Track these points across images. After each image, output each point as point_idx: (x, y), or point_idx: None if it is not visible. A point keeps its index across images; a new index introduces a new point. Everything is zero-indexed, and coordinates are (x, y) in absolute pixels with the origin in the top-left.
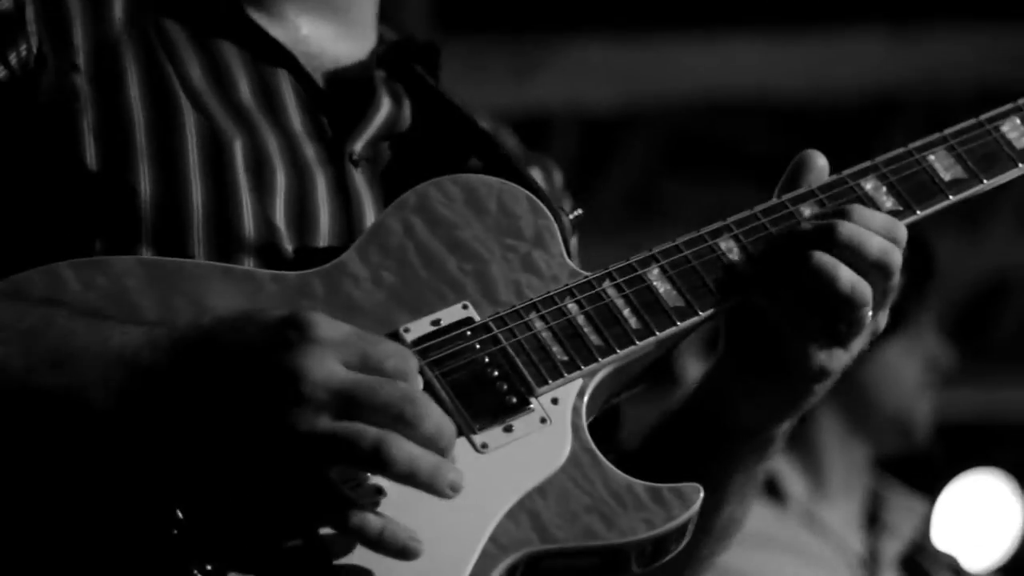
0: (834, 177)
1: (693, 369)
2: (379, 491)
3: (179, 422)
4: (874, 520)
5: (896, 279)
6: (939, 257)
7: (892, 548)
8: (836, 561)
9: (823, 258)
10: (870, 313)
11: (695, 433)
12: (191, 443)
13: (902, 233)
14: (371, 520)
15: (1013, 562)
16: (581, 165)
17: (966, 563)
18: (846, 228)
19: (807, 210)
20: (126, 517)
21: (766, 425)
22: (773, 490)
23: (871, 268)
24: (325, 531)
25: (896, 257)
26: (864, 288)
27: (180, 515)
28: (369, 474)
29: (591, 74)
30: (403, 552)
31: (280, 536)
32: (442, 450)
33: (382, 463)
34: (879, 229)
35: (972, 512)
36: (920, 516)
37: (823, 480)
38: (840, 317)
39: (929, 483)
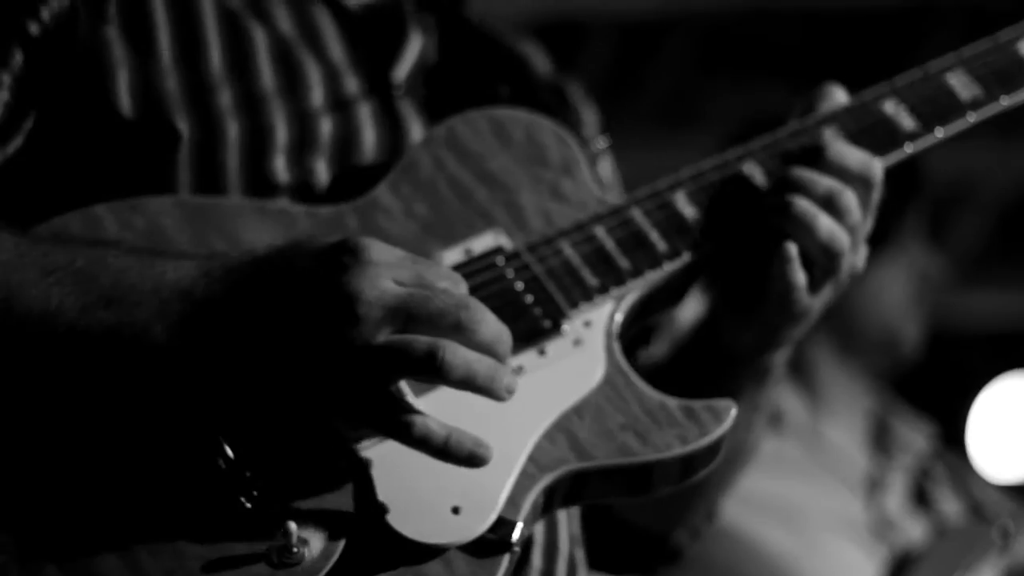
0: (854, 100)
1: (688, 310)
2: None
3: (237, 350)
4: (879, 441)
5: (877, 196)
6: (977, 163)
7: (897, 469)
8: (838, 481)
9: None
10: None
11: (698, 362)
12: (250, 371)
13: (877, 170)
14: (436, 428)
15: None
16: (617, 70)
17: (1000, 470)
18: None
19: (828, 132)
20: (175, 451)
21: (757, 354)
22: (774, 415)
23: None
24: (375, 451)
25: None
26: (841, 239)
27: (228, 449)
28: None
29: None
30: (470, 459)
31: (331, 458)
32: (501, 355)
33: (438, 368)
34: (857, 163)
35: (1009, 417)
36: (926, 437)
37: (821, 400)
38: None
39: (964, 389)
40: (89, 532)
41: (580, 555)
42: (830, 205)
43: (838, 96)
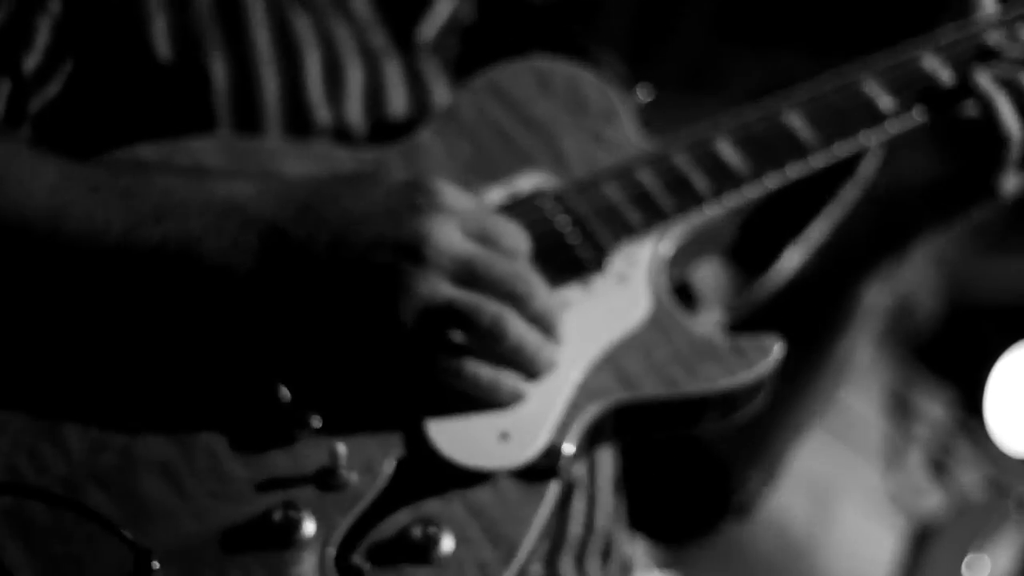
0: (892, 59)
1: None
2: None
3: (293, 275)
4: (898, 412)
5: None
6: None
7: (916, 439)
8: (855, 452)
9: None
10: None
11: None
12: (304, 297)
13: None
14: (484, 370)
15: None
16: (636, 38)
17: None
18: None
19: (872, 83)
20: (226, 376)
21: (924, 211)
22: None
23: None
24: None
25: None
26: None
27: (282, 386)
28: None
29: None
30: (514, 396)
31: (381, 387)
32: (547, 329)
33: (497, 336)
34: None
35: None
36: (944, 406)
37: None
38: None
39: (982, 358)
40: (134, 453)
41: (620, 505)
42: None
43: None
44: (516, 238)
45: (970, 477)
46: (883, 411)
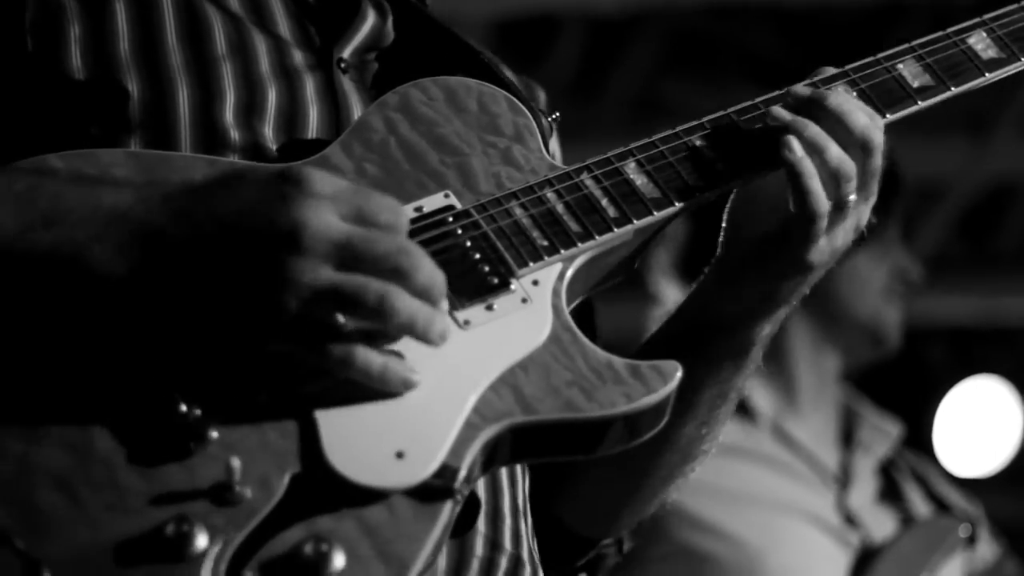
0: (806, 82)
1: (669, 289)
2: None
3: (176, 276)
4: (848, 438)
5: (878, 161)
6: (945, 164)
7: (865, 465)
8: (808, 474)
9: (813, 128)
10: (853, 197)
11: (684, 329)
12: (188, 298)
13: (879, 120)
14: (374, 356)
15: (1013, 468)
16: (586, 65)
17: (965, 469)
18: (833, 96)
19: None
20: (119, 385)
21: (746, 321)
22: (742, 407)
23: (855, 144)
24: (322, 395)
25: (878, 136)
26: (849, 164)
27: (176, 393)
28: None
29: None
30: (406, 383)
31: (278, 400)
32: (434, 300)
33: (385, 314)
34: (859, 107)
35: (973, 418)
36: (893, 435)
37: (793, 395)
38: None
39: (929, 390)
40: (30, 461)
41: (524, 528)
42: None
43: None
44: (393, 212)
45: (921, 503)
46: (835, 433)
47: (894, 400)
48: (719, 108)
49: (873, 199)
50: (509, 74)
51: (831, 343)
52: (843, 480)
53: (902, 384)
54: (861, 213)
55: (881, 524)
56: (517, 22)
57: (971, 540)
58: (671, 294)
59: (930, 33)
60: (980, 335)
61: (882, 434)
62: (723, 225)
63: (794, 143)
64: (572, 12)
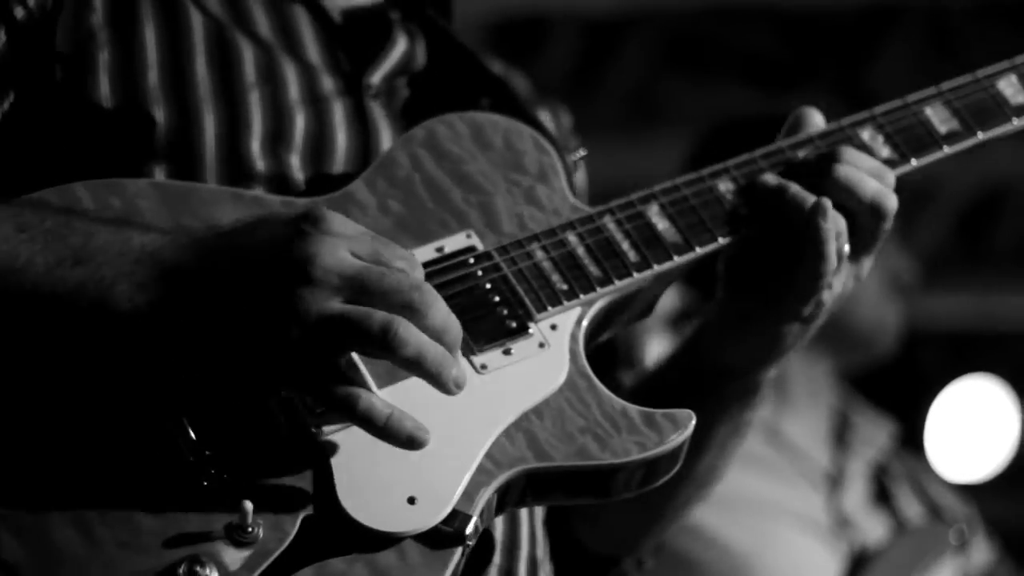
0: (832, 125)
1: (654, 351)
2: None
3: (197, 313)
4: (841, 438)
5: (889, 223)
6: (940, 165)
7: (858, 466)
8: (799, 476)
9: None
10: (847, 248)
11: (684, 377)
12: (208, 334)
13: (891, 178)
14: (379, 405)
15: (1011, 470)
16: (580, 67)
17: (961, 473)
18: (842, 169)
19: (803, 155)
20: (138, 422)
21: (751, 368)
22: None
23: (865, 210)
24: (336, 438)
25: (891, 201)
26: (841, 222)
27: (189, 428)
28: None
29: None
30: (409, 441)
31: (292, 442)
32: (449, 344)
33: (391, 344)
34: (871, 170)
35: (968, 419)
36: (887, 435)
37: (786, 395)
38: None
39: (923, 390)
40: (44, 499)
41: (541, 554)
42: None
43: (816, 119)
44: (409, 262)
45: (913, 506)
46: (827, 437)
47: (889, 401)
48: (714, 110)
49: (873, 253)
50: (532, 98)
51: (824, 346)
52: (836, 481)
53: (897, 385)
54: (862, 266)
55: (873, 526)
56: (511, 22)
57: (963, 545)
58: (654, 352)
59: (927, 37)
60: (976, 336)
61: (876, 435)
62: (721, 275)
63: (829, 210)
64: (566, 13)
